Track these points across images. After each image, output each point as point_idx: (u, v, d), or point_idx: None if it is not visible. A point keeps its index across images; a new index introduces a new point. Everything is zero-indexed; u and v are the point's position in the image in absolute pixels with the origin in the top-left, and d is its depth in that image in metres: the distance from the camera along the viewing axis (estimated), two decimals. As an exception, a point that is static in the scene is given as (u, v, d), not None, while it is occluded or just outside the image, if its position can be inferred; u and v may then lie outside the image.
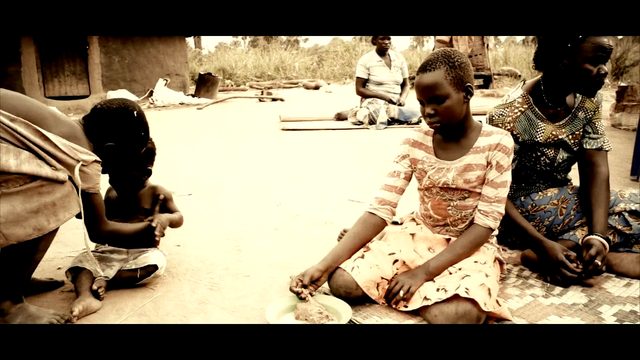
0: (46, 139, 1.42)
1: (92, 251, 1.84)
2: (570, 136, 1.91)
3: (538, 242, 1.79)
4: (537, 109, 1.88)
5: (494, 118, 1.89)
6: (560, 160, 1.93)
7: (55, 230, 1.50)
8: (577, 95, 1.92)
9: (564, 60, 1.75)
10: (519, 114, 1.88)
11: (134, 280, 1.79)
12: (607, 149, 1.92)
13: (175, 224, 1.99)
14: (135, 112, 1.72)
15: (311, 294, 1.58)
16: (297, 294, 1.56)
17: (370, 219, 1.74)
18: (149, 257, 1.82)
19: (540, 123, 1.88)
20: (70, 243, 2.11)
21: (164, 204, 1.99)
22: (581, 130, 1.92)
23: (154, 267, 1.80)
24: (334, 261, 1.64)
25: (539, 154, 1.91)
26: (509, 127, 1.86)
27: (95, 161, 1.56)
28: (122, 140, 1.70)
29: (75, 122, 1.64)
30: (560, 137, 1.89)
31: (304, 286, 1.57)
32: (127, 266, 1.80)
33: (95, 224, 1.63)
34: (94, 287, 1.69)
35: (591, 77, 1.72)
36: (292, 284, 1.59)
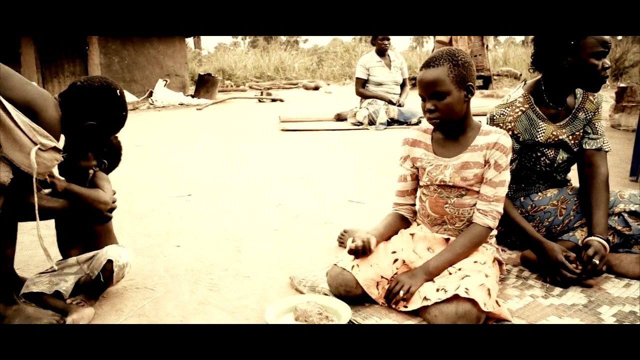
0: (5, 109, 1.30)
1: (42, 272, 1.74)
2: (570, 137, 1.91)
3: (538, 242, 1.79)
4: (538, 109, 1.88)
5: (495, 117, 1.89)
6: (560, 161, 1.93)
7: (17, 220, 1.45)
8: (578, 95, 1.93)
9: (567, 58, 1.76)
10: (520, 113, 1.88)
11: (102, 284, 1.68)
12: (606, 149, 1.93)
13: (84, 196, 1.68)
14: (118, 91, 1.63)
15: (368, 248, 1.61)
16: (355, 250, 1.61)
17: (396, 214, 1.83)
18: (100, 256, 1.68)
19: (541, 123, 1.88)
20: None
21: (92, 178, 1.77)
22: (581, 130, 1.92)
23: (110, 263, 1.65)
24: (379, 237, 1.71)
25: (539, 154, 1.92)
26: (509, 127, 1.87)
27: (55, 148, 1.42)
28: (103, 119, 1.60)
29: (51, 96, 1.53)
30: (560, 137, 1.89)
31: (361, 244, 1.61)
32: (92, 274, 1.68)
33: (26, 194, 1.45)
34: (68, 301, 1.62)
35: (597, 71, 1.75)
36: (351, 243, 1.62)
